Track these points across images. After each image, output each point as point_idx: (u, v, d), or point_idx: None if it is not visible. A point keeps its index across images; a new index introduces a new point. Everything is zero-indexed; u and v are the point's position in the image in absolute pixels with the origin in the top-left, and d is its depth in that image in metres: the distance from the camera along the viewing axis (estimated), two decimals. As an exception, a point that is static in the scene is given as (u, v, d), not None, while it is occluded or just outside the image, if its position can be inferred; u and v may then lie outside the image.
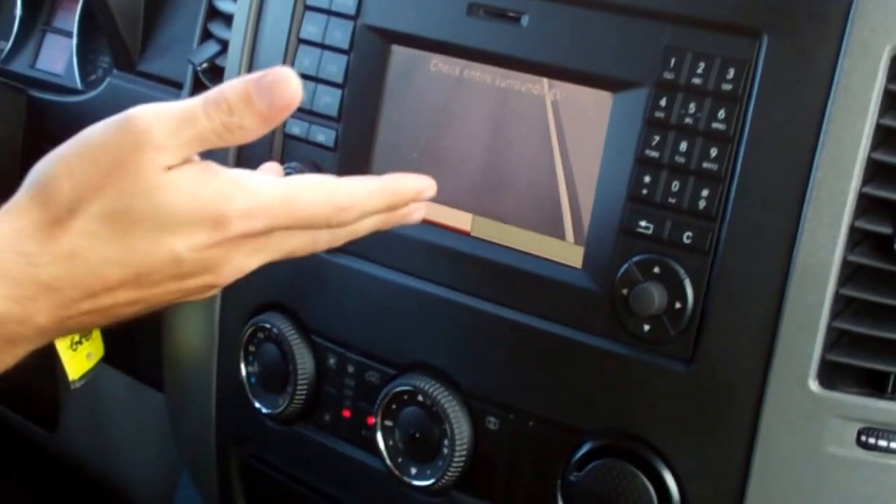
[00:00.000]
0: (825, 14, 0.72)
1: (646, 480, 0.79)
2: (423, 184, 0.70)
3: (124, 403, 1.37)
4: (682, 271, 0.78)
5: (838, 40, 0.72)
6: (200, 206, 0.60)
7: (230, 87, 0.60)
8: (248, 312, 1.00)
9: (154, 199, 0.59)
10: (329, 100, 0.94)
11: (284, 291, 0.97)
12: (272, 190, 0.62)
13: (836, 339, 0.74)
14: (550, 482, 0.85)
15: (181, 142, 0.60)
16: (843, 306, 0.74)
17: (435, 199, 0.81)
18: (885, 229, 0.73)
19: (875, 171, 0.73)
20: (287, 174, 0.85)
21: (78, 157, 0.60)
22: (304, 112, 0.96)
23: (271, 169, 0.79)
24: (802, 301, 0.73)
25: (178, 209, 0.59)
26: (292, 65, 0.95)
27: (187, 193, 0.59)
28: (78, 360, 1.17)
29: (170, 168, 0.60)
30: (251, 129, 0.60)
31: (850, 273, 0.73)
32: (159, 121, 0.59)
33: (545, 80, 0.82)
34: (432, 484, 0.89)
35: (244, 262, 0.63)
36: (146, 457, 1.38)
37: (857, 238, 0.73)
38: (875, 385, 0.74)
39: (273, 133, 0.95)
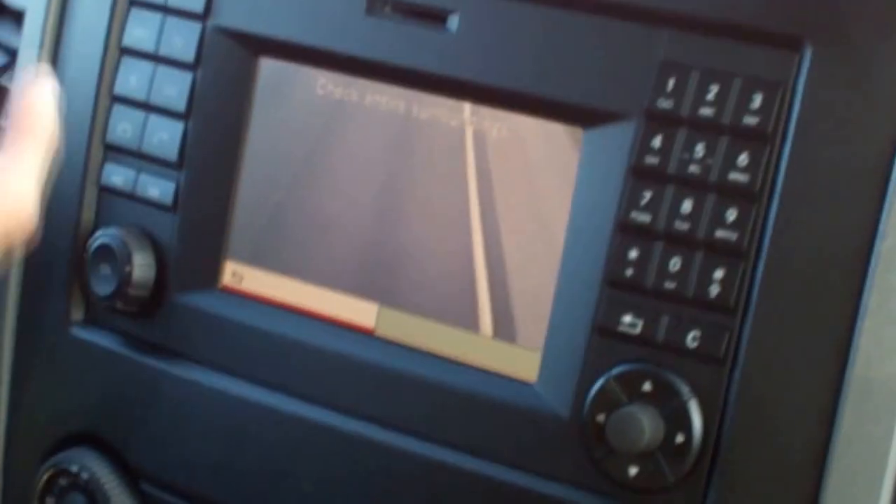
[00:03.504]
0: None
1: None
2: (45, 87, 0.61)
3: None
4: (685, 389, 0.69)
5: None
6: None
7: None
8: (46, 448, 0.89)
9: None
10: (166, 136, 0.85)
11: (99, 417, 0.86)
12: None
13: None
14: None
15: None
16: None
17: (324, 283, 0.77)
18: None
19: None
20: (100, 245, 0.81)
21: None
22: (129, 154, 0.86)
23: None
24: (863, 432, 0.66)
25: None
26: (112, 85, 0.87)
27: None
28: None
29: None
30: None
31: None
32: None
33: (467, 109, 0.76)
34: None
35: None
36: None
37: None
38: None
39: (83, 186, 0.87)
